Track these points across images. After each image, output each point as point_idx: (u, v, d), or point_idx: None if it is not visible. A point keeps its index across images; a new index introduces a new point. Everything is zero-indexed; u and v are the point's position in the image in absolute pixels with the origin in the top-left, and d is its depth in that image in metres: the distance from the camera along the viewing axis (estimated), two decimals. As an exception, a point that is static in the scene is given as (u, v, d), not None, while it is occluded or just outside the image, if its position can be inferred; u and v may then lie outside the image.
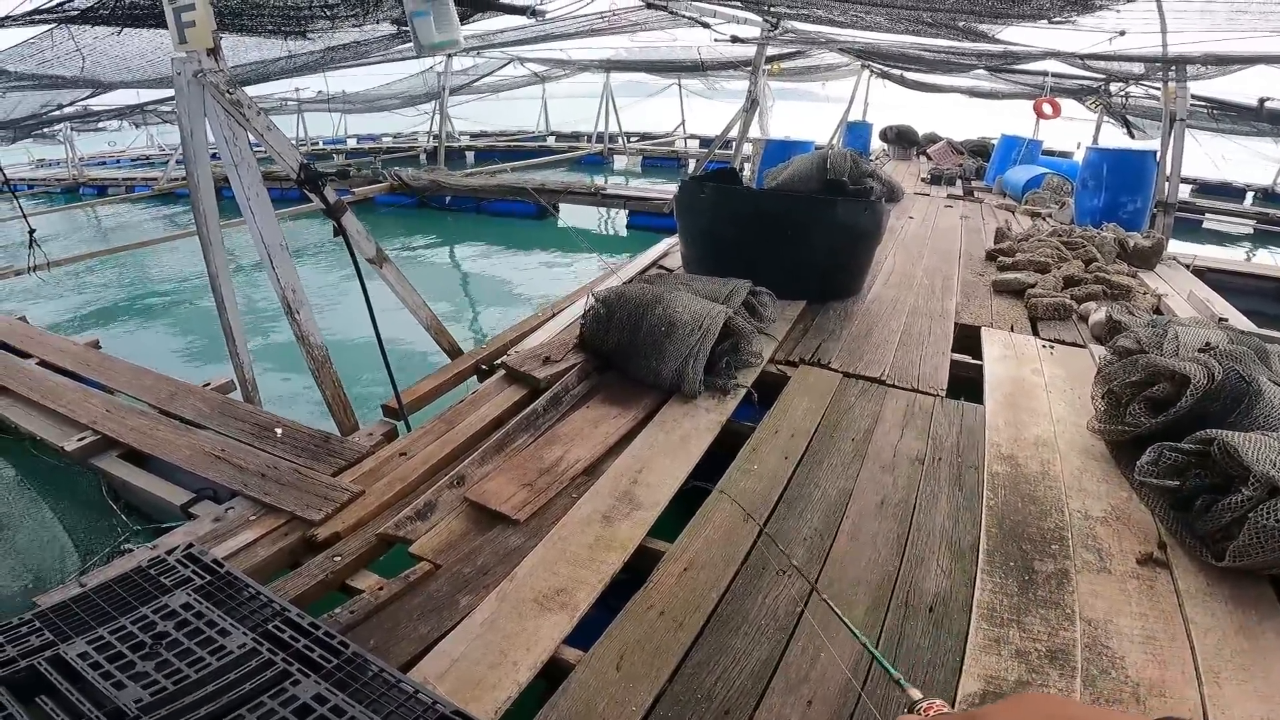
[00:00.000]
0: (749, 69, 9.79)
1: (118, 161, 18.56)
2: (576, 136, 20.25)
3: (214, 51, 2.84)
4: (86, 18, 4.85)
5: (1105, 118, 13.06)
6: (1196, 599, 1.97)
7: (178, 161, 11.67)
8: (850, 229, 4.48)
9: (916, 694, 0.84)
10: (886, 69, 14.76)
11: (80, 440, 2.89)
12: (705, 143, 17.24)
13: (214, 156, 3.07)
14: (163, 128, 18.73)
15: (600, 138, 18.53)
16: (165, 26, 2.86)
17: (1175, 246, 6.67)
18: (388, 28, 6.66)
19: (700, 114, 19.38)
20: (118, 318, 7.08)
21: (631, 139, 19.39)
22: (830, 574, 2.07)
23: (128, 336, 6.44)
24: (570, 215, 10.93)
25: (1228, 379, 2.45)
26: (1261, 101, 10.20)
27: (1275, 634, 1.86)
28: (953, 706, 0.80)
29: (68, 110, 10.61)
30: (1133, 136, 12.71)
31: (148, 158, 18.76)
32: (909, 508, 2.40)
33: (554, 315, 4.24)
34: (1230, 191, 14.25)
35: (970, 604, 1.95)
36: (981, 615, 1.90)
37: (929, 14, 6.32)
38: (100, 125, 18.05)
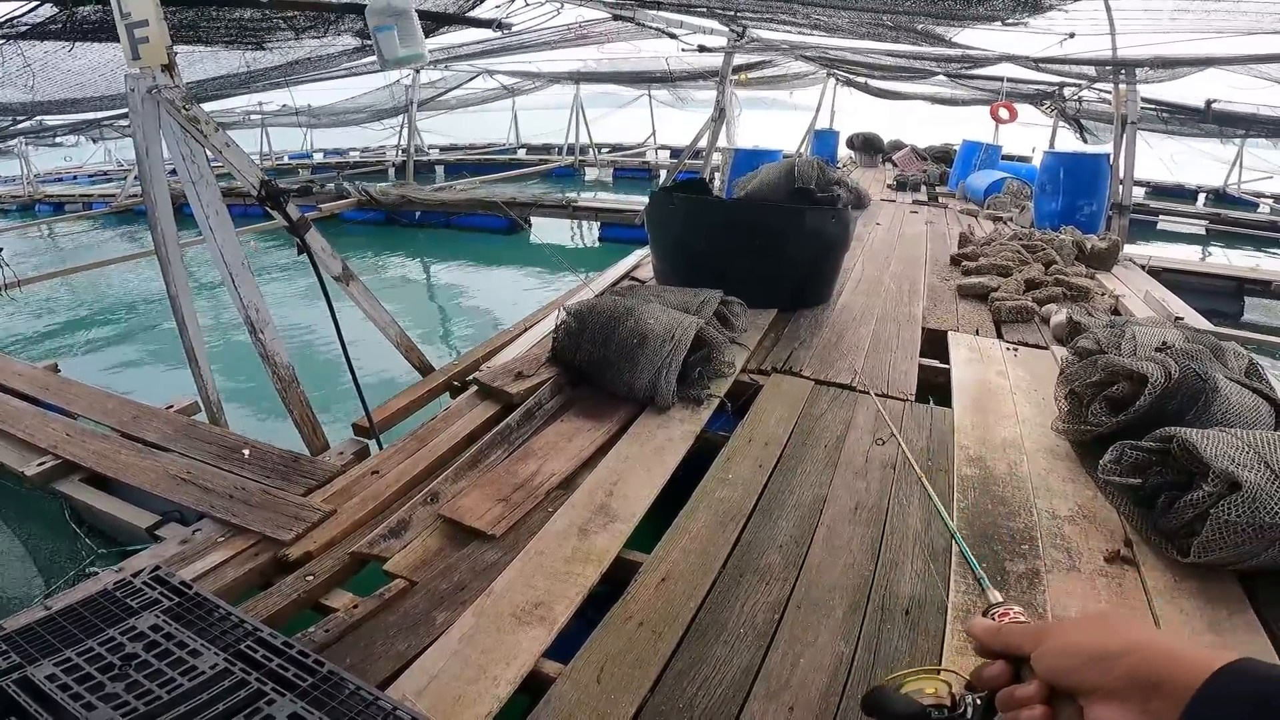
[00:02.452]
0: (717, 79, 9.90)
1: (74, 178, 18.14)
2: (547, 149, 20.24)
3: (169, 68, 2.79)
4: (37, 33, 4.76)
5: (1060, 122, 13.43)
6: (1165, 595, 2.02)
7: (135, 178, 11.48)
8: (819, 237, 4.54)
9: (996, 596, 0.82)
10: (851, 76, 15.03)
11: (40, 465, 2.80)
12: (676, 153, 17.36)
13: (173, 173, 3.02)
14: (121, 143, 18.34)
15: (571, 150, 18.55)
16: (118, 40, 2.81)
17: (1131, 248, 6.86)
18: (350, 40, 6.63)
19: (671, 124, 19.52)
20: (76, 340, 6.90)
21: (602, 150, 19.45)
22: (807, 580, 2.09)
23: (87, 359, 6.28)
24: (542, 228, 10.93)
25: (1185, 377, 2.53)
26: (1208, 104, 10.56)
27: (1245, 629, 1.90)
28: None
29: (22, 125, 10.38)
30: (1085, 140, 13.09)
31: (105, 173, 18.36)
32: (882, 512, 2.43)
33: (526, 330, 4.23)
34: (1183, 193, 14.71)
35: (945, 606, 1.97)
36: (957, 617, 1.92)
37: (889, 16, 6.45)
38: (56, 140, 17.64)
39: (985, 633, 0.69)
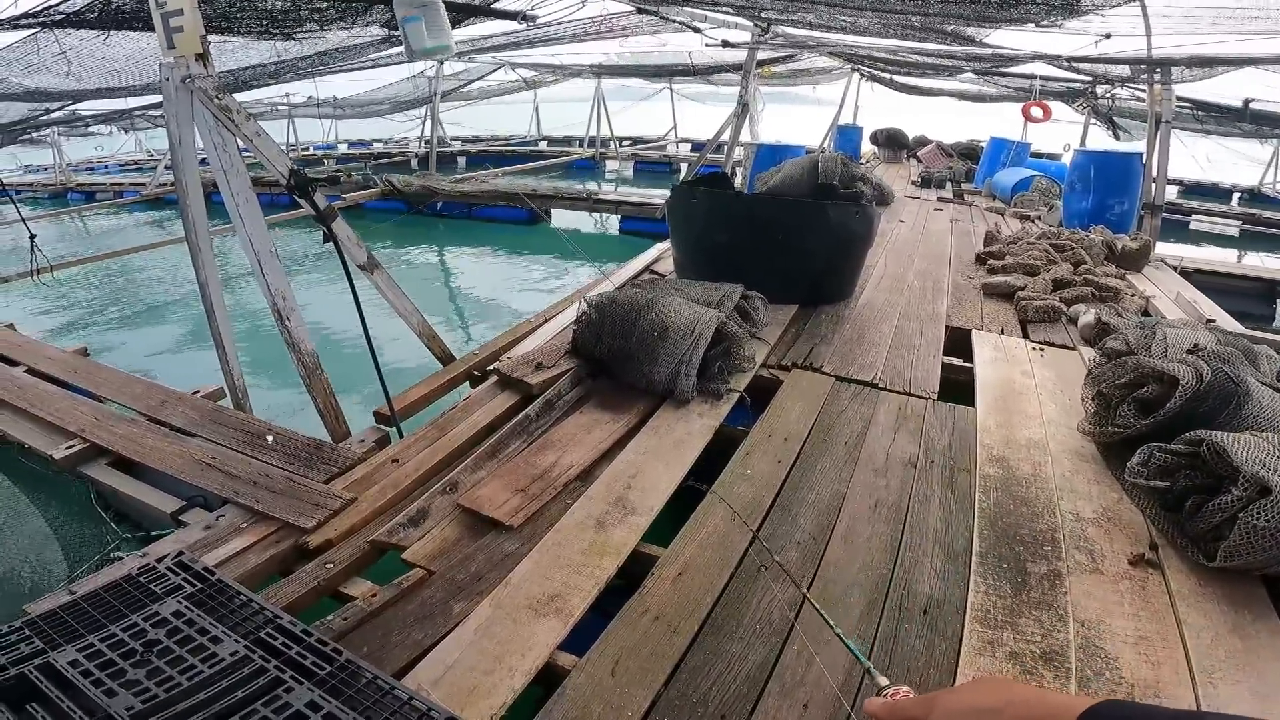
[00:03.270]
0: (740, 72, 9.83)
1: (106, 167, 18.48)
2: (568, 141, 20.27)
3: (202, 57, 2.82)
4: (74, 21, 4.84)
5: (1092, 120, 13.19)
6: (1189, 599, 1.98)
7: (166, 167, 11.61)
8: (841, 233, 4.50)
9: (883, 680, 0.90)
10: (876, 72, 14.86)
11: (69, 448, 2.86)
12: (697, 147, 17.28)
13: (203, 162, 3.06)
14: (151, 132, 18.65)
15: (592, 142, 18.55)
16: (153, 29, 2.85)
17: (1162, 248, 6.72)
18: (378, 31, 6.66)
19: (692, 118, 19.45)
20: (105, 325, 7.03)
21: (623, 143, 19.43)
22: (825, 577, 2.08)
23: (116, 344, 6.40)
24: (562, 220, 10.95)
25: (1216, 380, 2.47)
26: (1246, 103, 10.31)
27: (1269, 633, 1.86)
28: None
29: (55, 115, 10.56)
30: (1118, 139, 12.85)
31: (136, 163, 18.68)
32: (902, 510, 2.41)
33: (546, 321, 4.23)
34: (1216, 193, 14.40)
35: (964, 606, 1.95)
36: (975, 617, 1.90)
37: (917, 18, 6.37)
38: (89, 130, 17.96)
39: (882, 710, 0.77)
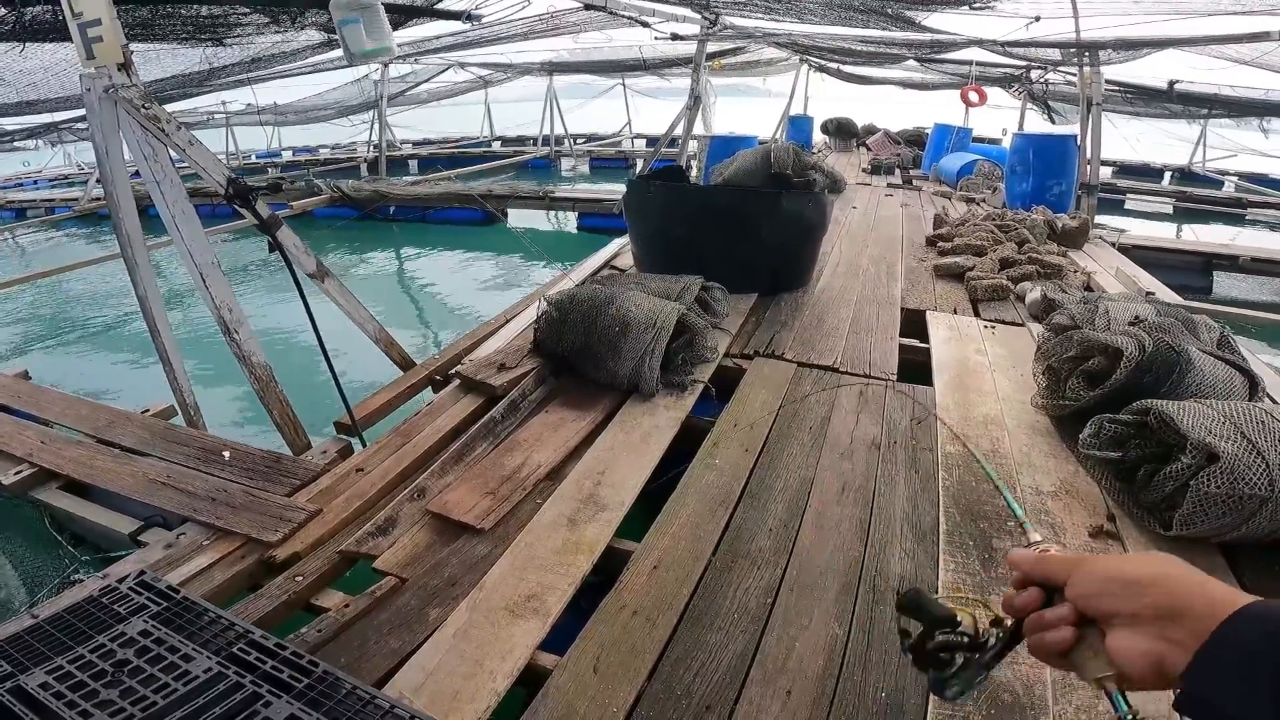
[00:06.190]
0: (690, 66, 9.87)
1: (35, 182, 17.70)
2: (522, 140, 20.09)
3: (125, 66, 2.72)
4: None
5: (1029, 104, 13.59)
6: (1148, 568, 2.04)
7: (98, 180, 11.17)
8: (796, 221, 4.55)
9: (1036, 536, 0.85)
10: (824, 62, 15.07)
11: (17, 474, 2.74)
12: (652, 141, 17.29)
13: (136, 174, 2.95)
14: (81, 146, 17.90)
15: (546, 141, 18.42)
16: (70, 40, 2.74)
17: (1101, 223, 6.95)
18: (315, 35, 6.51)
19: (646, 113, 19.45)
20: (46, 347, 6.75)
21: (578, 141, 19.34)
22: (798, 563, 2.10)
23: (58, 366, 6.14)
24: (519, 220, 10.85)
25: (1158, 350, 2.57)
26: (1171, 84, 10.73)
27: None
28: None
29: (-23, 131, 10.09)
30: (1054, 122, 13.25)
31: (66, 177, 17.93)
32: (869, 493, 2.45)
33: (507, 321, 4.20)
34: (1149, 172, 14.95)
35: (936, 584, 1.99)
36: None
37: (859, 0, 6.49)
38: (14, 145, 17.17)
39: (1024, 561, 0.71)
